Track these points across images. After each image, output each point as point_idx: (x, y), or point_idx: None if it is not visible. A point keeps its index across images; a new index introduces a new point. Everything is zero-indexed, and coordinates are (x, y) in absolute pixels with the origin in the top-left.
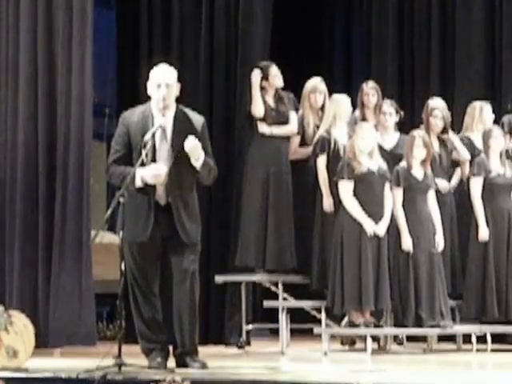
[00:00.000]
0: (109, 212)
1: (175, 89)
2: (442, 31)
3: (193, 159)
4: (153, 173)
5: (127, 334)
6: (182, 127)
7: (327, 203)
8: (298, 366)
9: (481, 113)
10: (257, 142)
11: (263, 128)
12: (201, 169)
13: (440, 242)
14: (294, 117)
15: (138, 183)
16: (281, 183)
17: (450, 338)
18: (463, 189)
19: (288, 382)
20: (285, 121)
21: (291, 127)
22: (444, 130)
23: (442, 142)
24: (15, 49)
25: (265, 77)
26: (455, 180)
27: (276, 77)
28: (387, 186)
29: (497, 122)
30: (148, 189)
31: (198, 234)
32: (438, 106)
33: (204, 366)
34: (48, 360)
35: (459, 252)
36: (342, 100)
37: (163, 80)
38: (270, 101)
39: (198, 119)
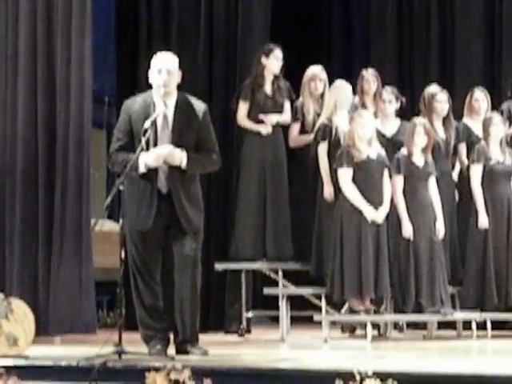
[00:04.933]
0: (108, 200)
1: (176, 75)
2: (441, 17)
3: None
4: (156, 154)
5: (127, 321)
6: (183, 114)
7: (328, 191)
8: (298, 353)
9: (471, 98)
10: (253, 131)
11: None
12: (188, 168)
13: (440, 229)
14: (288, 106)
15: (142, 169)
16: (277, 172)
17: (450, 325)
18: (464, 176)
19: (288, 369)
20: (279, 110)
21: (285, 117)
22: (448, 115)
23: (447, 127)
24: (14, 37)
25: (266, 54)
26: (458, 167)
27: (275, 59)
28: (386, 173)
29: (496, 108)
30: (150, 176)
31: (200, 221)
32: (439, 90)
33: (205, 353)
34: (48, 348)
35: (460, 239)
36: (344, 87)
37: (164, 66)
38: (268, 89)
39: (200, 106)
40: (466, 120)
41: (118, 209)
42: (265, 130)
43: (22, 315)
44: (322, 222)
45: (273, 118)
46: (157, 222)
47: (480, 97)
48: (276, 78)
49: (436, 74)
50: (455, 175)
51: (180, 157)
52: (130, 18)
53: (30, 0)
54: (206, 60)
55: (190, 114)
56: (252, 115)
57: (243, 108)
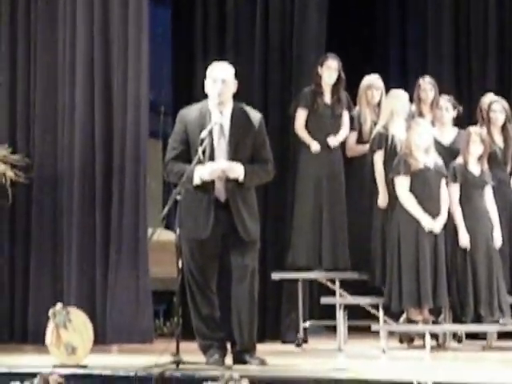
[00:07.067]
0: (165, 210)
1: (231, 85)
2: (499, 24)
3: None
4: (211, 168)
5: (184, 330)
6: (239, 124)
7: (382, 199)
8: (356, 364)
9: None
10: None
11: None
12: (246, 182)
13: (498, 238)
14: (346, 118)
15: (197, 181)
16: (334, 182)
17: (510, 336)
18: None
19: (347, 380)
20: (338, 120)
21: (345, 132)
22: (505, 124)
23: (506, 136)
24: (72, 48)
25: (320, 64)
26: None
27: (327, 69)
28: (443, 182)
29: None
30: (207, 186)
31: (257, 230)
32: (494, 100)
33: (263, 362)
34: (106, 357)
35: None
36: (400, 95)
37: (219, 76)
38: (327, 98)
39: (255, 116)
40: None
41: (174, 219)
42: (315, 147)
43: (80, 325)
44: (385, 230)
45: (338, 139)
46: (214, 230)
47: None
48: (336, 87)
49: (494, 82)
50: None
51: (238, 171)
52: (185, 27)
53: (87, 11)
54: (261, 69)
55: (245, 124)
56: (310, 124)
57: (302, 116)
